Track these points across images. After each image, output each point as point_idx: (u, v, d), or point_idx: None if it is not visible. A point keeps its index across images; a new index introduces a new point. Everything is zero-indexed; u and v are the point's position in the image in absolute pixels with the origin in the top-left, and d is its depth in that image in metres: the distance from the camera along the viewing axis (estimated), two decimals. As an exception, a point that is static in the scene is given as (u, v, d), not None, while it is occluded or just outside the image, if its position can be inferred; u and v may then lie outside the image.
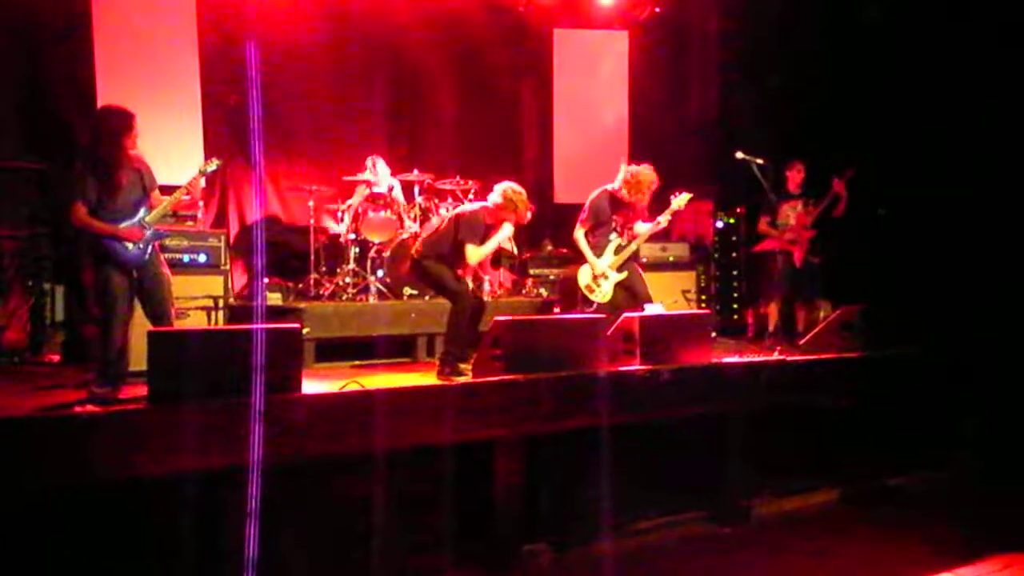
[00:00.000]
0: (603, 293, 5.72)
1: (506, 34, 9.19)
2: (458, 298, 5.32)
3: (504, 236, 5.42)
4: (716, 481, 4.70)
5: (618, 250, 5.75)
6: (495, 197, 5.32)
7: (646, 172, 5.65)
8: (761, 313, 8.19)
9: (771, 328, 6.74)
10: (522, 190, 5.36)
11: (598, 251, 5.75)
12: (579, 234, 5.80)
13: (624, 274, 5.76)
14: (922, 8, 6.86)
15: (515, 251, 5.66)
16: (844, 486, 5.09)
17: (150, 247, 4.57)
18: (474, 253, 5.28)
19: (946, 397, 5.38)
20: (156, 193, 4.69)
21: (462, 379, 4.81)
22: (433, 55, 8.58)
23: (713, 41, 9.03)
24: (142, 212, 4.56)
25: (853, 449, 5.09)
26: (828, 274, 6.83)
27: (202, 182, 4.81)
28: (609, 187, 5.79)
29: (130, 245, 4.47)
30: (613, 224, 5.77)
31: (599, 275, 5.73)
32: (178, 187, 4.69)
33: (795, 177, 6.89)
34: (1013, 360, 5.45)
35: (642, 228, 5.83)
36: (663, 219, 5.77)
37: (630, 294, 5.74)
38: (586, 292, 5.74)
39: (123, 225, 4.47)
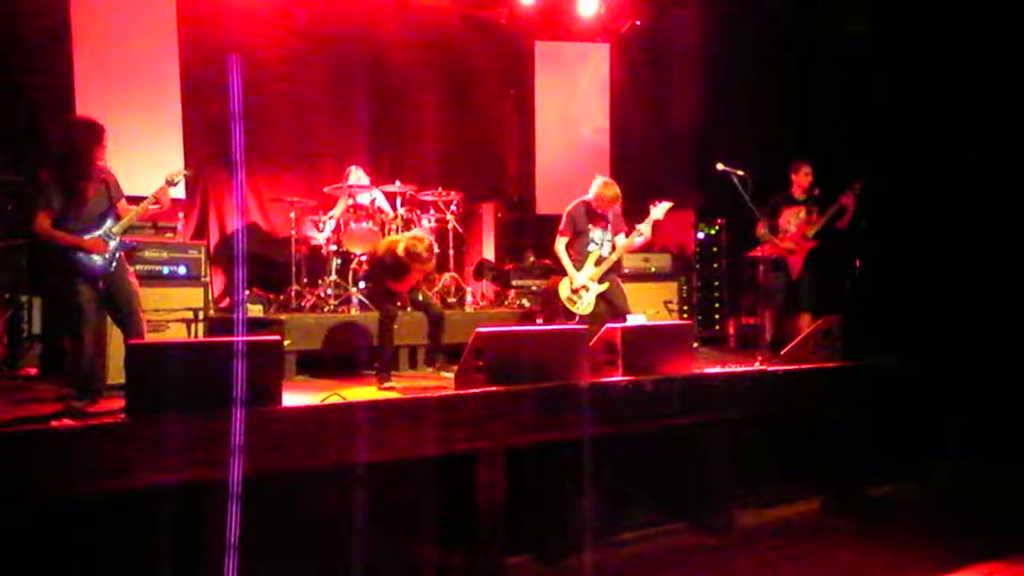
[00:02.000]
0: (585, 305, 5.75)
1: (488, 46, 9.23)
2: (382, 312, 5.59)
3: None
4: (699, 491, 4.70)
5: (599, 262, 5.79)
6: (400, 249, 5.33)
7: (614, 186, 5.80)
8: (742, 323, 8.24)
9: (767, 337, 6.49)
10: (424, 242, 5.33)
11: (579, 263, 5.78)
12: (560, 246, 5.85)
13: (605, 285, 5.80)
14: (904, 19, 6.93)
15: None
16: (827, 495, 5.11)
17: (115, 258, 4.53)
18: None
19: (927, 406, 5.42)
20: (123, 203, 4.66)
21: (390, 385, 5.28)
22: (415, 67, 8.60)
23: (694, 53, 9.09)
24: (108, 223, 4.52)
25: (835, 458, 5.11)
26: (808, 283, 6.82)
27: (171, 192, 4.76)
28: (585, 197, 5.87)
29: (95, 256, 4.44)
30: (591, 234, 5.81)
31: (580, 287, 5.75)
32: (142, 199, 4.67)
33: (801, 181, 6.55)
34: (993, 368, 5.51)
35: (623, 240, 5.86)
36: (644, 228, 5.81)
37: (610, 306, 5.78)
38: (567, 304, 5.76)
39: (87, 236, 4.43)
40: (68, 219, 4.40)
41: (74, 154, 4.43)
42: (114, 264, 4.52)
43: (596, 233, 5.83)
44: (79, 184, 4.42)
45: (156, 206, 4.71)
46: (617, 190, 5.81)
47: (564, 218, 5.88)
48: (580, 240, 5.82)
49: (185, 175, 4.89)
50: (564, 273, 5.84)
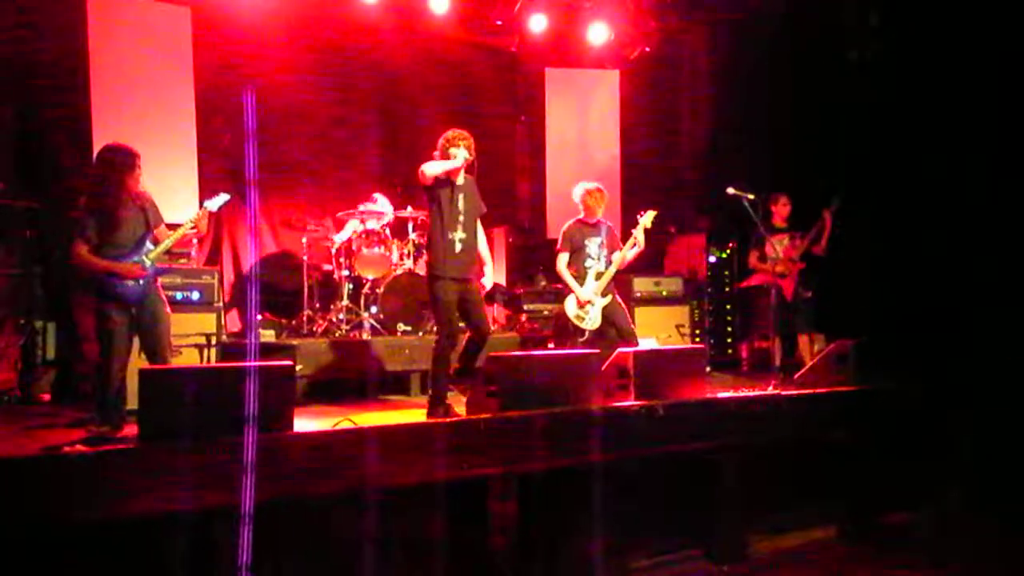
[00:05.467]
0: (592, 320, 5.82)
1: (499, 73, 9.32)
2: (440, 328, 5.02)
3: (461, 159, 5.02)
4: (712, 518, 4.66)
5: (598, 276, 5.88)
6: (437, 151, 5.11)
7: (597, 191, 5.97)
8: (755, 347, 8.20)
9: (777, 363, 6.70)
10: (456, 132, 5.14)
11: (580, 279, 5.89)
12: (561, 265, 5.96)
13: (608, 298, 5.86)
14: (912, 43, 6.96)
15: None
16: (842, 522, 5.06)
17: (150, 284, 4.55)
18: (430, 166, 4.95)
19: (942, 431, 5.37)
20: (162, 228, 4.69)
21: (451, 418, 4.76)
22: (427, 94, 8.67)
23: (703, 79, 9.14)
24: (144, 248, 4.55)
25: (850, 484, 5.06)
26: (821, 307, 6.86)
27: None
28: (577, 216, 6.03)
29: (130, 282, 4.46)
30: (587, 249, 5.91)
31: (585, 302, 5.82)
32: (179, 225, 4.69)
33: (781, 211, 7.01)
34: (1010, 393, 5.45)
35: (617, 255, 5.95)
36: (638, 236, 5.87)
37: (612, 325, 5.85)
38: (576, 321, 5.83)
39: (124, 262, 4.45)
40: (105, 245, 4.44)
41: (107, 180, 4.48)
42: (148, 290, 4.54)
43: (592, 248, 5.93)
44: (114, 211, 4.46)
45: (193, 231, 4.74)
46: (600, 194, 5.95)
47: (560, 237, 6.05)
48: (578, 256, 5.94)
49: (226, 199, 4.84)
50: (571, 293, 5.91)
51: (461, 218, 5.06)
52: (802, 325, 6.86)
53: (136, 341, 4.59)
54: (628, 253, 5.91)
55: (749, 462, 4.67)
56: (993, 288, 6.28)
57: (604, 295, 5.87)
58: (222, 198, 4.84)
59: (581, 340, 5.73)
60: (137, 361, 4.55)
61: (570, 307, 5.87)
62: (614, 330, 5.84)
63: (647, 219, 5.96)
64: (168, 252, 5.84)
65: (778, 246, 6.83)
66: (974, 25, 6.48)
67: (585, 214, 6.00)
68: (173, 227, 4.75)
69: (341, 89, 8.38)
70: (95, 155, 4.59)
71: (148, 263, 4.53)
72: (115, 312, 4.44)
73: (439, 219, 5.00)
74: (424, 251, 7.21)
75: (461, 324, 5.08)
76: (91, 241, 4.41)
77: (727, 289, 8.49)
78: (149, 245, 4.57)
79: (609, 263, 5.93)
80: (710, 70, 9.06)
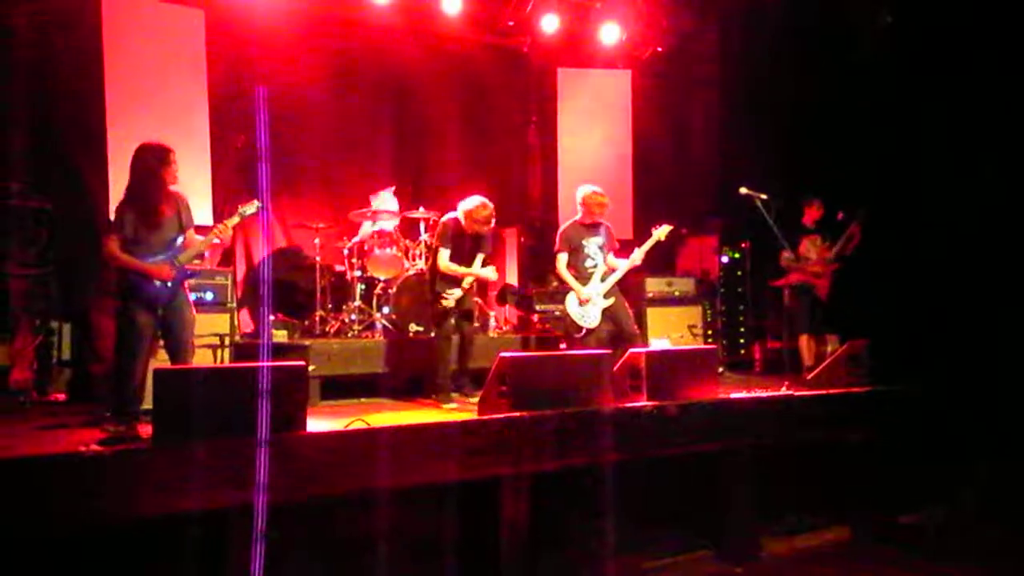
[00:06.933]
0: (592, 318, 5.83)
1: (510, 74, 9.32)
2: (436, 329, 5.88)
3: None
4: (725, 518, 4.65)
5: (604, 277, 5.90)
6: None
7: (594, 189, 6.02)
8: (768, 348, 8.17)
9: (807, 362, 6.77)
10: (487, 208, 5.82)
11: (583, 279, 5.89)
12: (561, 265, 5.99)
13: (611, 300, 5.87)
14: (924, 44, 6.93)
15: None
16: (856, 523, 5.03)
17: (179, 286, 4.56)
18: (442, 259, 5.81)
19: (956, 432, 5.33)
20: (191, 232, 4.69)
21: (449, 406, 5.47)
22: (438, 94, 8.67)
23: (715, 78, 9.11)
24: (175, 250, 4.56)
25: (864, 485, 5.04)
26: (834, 307, 6.85)
27: (196, 218, 4.79)
28: (575, 218, 6.08)
29: (158, 283, 4.47)
30: (586, 249, 5.93)
31: (584, 301, 5.84)
32: (207, 228, 4.71)
33: (813, 214, 7.03)
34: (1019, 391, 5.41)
35: (617, 262, 5.95)
36: (640, 251, 5.89)
37: (615, 324, 5.85)
38: (575, 318, 5.85)
39: (154, 261, 4.46)
40: (139, 243, 4.46)
41: (145, 179, 4.50)
42: (175, 292, 4.55)
43: (592, 248, 5.95)
44: (151, 208, 4.49)
45: (218, 241, 4.76)
46: (602, 198, 5.96)
47: (558, 238, 6.07)
48: (577, 256, 5.95)
49: (258, 207, 4.81)
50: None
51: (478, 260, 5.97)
52: (824, 325, 6.90)
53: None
54: (623, 264, 5.89)
55: (762, 463, 4.65)
56: (1008, 288, 6.24)
57: (607, 296, 5.86)
58: (254, 205, 4.81)
59: (578, 336, 5.80)
60: (152, 361, 4.58)
61: (570, 304, 5.90)
62: (615, 330, 5.84)
63: (660, 233, 5.92)
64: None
65: (812, 247, 6.89)
66: (980, 25, 6.44)
67: (583, 215, 5.99)
68: (201, 230, 4.77)
69: (353, 90, 8.39)
70: (132, 156, 4.58)
71: (178, 265, 4.54)
72: (140, 313, 4.44)
73: (457, 260, 5.86)
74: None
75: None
76: (126, 237, 4.43)
77: (740, 289, 8.46)
78: (179, 247, 4.58)
79: (612, 270, 5.91)
80: (723, 69, 9.02)
